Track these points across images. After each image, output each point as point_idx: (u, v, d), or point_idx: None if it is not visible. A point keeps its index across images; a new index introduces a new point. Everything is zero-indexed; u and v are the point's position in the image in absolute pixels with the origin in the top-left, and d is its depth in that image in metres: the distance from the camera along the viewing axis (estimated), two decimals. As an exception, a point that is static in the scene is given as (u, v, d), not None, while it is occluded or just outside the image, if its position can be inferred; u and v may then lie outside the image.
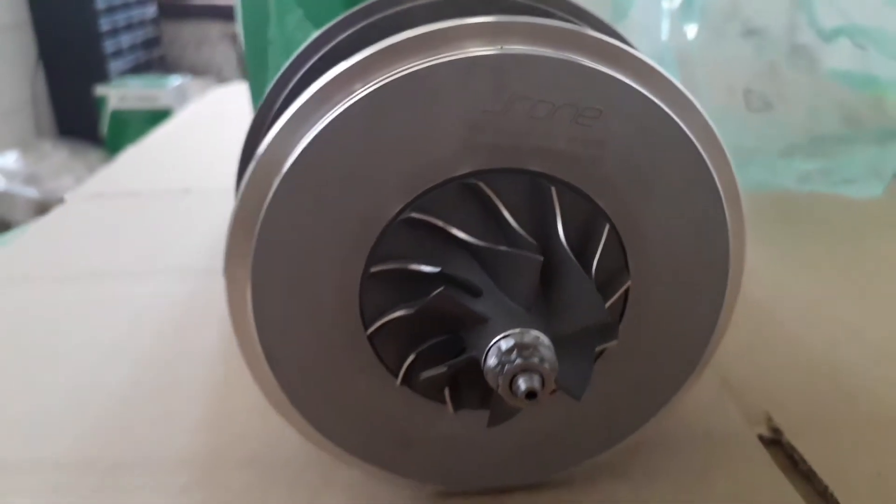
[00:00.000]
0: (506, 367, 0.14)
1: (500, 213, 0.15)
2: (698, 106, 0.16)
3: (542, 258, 0.15)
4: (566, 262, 0.15)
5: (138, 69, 1.79)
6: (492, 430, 0.17)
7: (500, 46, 0.15)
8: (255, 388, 0.25)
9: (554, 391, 0.15)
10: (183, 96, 1.70)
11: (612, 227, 0.16)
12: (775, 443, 0.22)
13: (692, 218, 0.17)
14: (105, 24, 1.65)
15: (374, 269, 0.16)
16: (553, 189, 0.16)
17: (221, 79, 1.90)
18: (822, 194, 0.37)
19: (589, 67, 0.15)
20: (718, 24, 0.50)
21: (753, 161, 0.43)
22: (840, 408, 0.23)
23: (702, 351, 0.18)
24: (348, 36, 0.19)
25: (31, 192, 1.41)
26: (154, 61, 1.86)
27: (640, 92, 0.15)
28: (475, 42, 0.15)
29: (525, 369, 0.14)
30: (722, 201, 0.17)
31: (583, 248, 0.16)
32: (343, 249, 0.16)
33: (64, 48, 1.62)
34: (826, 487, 0.20)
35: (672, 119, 0.16)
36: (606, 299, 0.16)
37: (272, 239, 0.15)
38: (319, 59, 0.19)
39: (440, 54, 0.15)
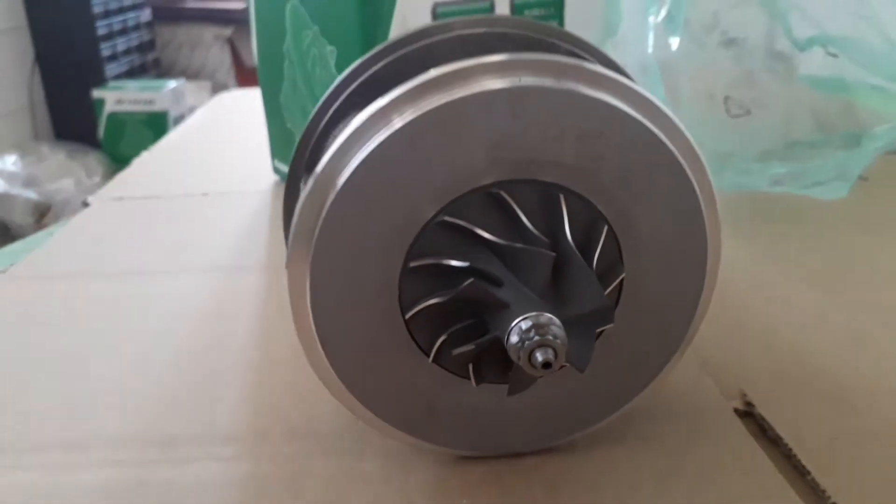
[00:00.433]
0: (525, 342, 0.17)
1: (517, 216, 0.19)
2: (681, 126, 0.19)
3: (554, 255, 0.18)
4: (572, 258, 0.18)
5: (133, 73, 1.81)
6: (509, 400, 0.20)
7: (518, 78, 0.18)
8: (290, 371, 0.28)
9: (562, 366, 0.18)
10: (179, 99, 1.72)
11: (610, 228, 0.20)
12: (748, 414, 0.25)
13: (675, 218, 0.20)
14: (101, 28, 1.67)
15: (412, 265, 0.19)
16: (561, 196, 0.19)
17: (216, 81, 1.92)
18: (793, 194, 0.41)
19: (591, 96, 0.18)
20: (699, 35, 0.53)
21: (731, 165, 0.46)
22: (804, 384, 0.26)
23: (685, 330, 0.22)
24: (383, 66, 0.22)
25: (31, 195, 1.43)
26: (149, 64, 1.88)
27: (633, 116, 0.19)
28: (495, 76, 0.18)
29: (541, 345, 0.17)
30: (700, 204, 0.20)
31: (586, 245, 0.19)
32: (386, 249, 0.19)
33: (61, 52, 1.64)
34: (790, 450, 0.23)
35: (659, 137, 0.19)
36: (605, 288, 0.20)
37: (328, 241, 0.18)
38: (358, 86, 0.22)
39: (466, 88, 0.18)
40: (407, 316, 0.20)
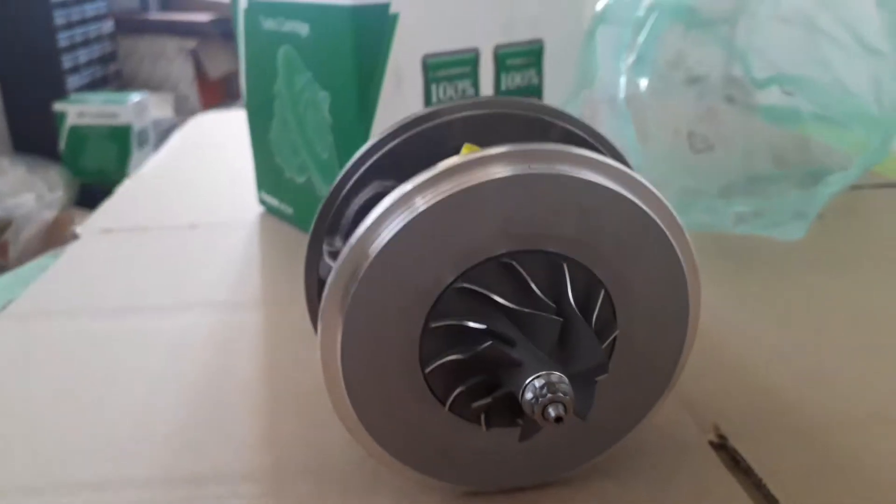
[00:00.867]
0: (539, 399, 0.19)
1: (527, 283, 0.21)
2: (666, 202, 0.22)
3: (561, 319, 0.20)
4: (575, 320, 0.21)
5: (95, 85, 1.79)
6: (513, 442, 0.23)
7: (527, 166, 0.20)
8: (299, 408, 0.30)
9: (565, 413, 0.20)
10: (142, 113, 1.71)
11: (606, 291, 0.22)
12: (721, 446, 0.28)
13: (662, 282, 0.23)
14: (63, 40, 1.65)
15: (432, 325, 0.21)
16: (565, 265, 0.21)
17: (178, 94, 1.91)
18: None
19: (589, 180, 0.21)
20: (665, 73, 0.57)
21: (697, 203, 0.50)
22: (772, 418, 0.29)
23: (670, 377, 0.24)
24: (401, 142, 0.24)
25: (-9, 210, 1.41)
26: (110, 76, 1.86)
27: (625, 196, 0.21)
28: (506, 164, 0.21)
29: (553, 401, 0.19)
30: (683, 269, 0.23)
31: (585, 306, 0.22)
32: (409, 310, 0.21)
33: (21, 64, 1.61)
34: (760, 480, 0.26)
35: (648, 213, 0.22)
36: (602, 342, 0.22)
37: (360, 301, 0.21)
38: (377, 159, 0.25)
39: (481, 175, 0.20)
40: (426, 370, 0.22)
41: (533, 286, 0.21)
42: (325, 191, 0.45)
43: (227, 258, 0.46)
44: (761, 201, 0.49)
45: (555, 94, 0.47)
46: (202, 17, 1.90)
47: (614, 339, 0.23)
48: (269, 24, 0.45)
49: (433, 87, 0.42)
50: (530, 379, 0.20)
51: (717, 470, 0.27)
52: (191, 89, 1.90)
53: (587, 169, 0.21)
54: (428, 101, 0.42)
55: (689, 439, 0.28)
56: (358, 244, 0.20)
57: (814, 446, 0.28)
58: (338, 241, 0.25)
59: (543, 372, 0.20)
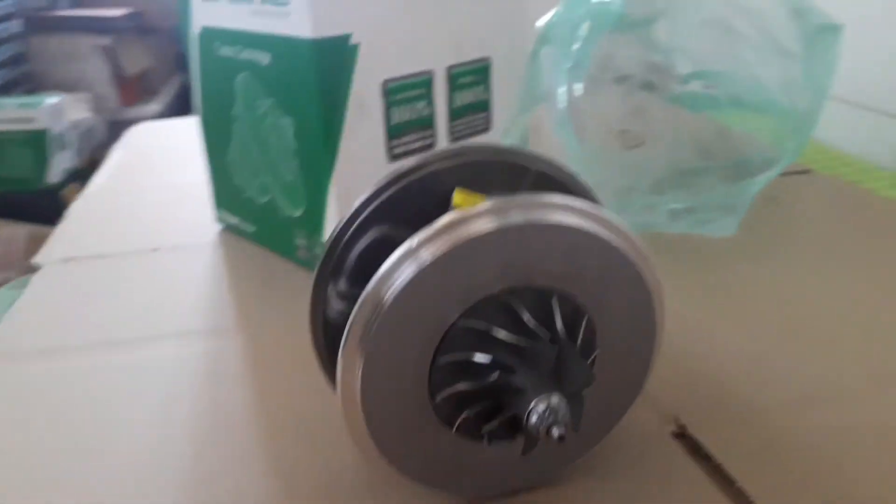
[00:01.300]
0: (543, 421, 0.22)
1: (521, 317, 0.24)
2: (633, 236, 0.25)
3: (556, 348, 0.23)
4: (565, 345, 0.24)
5: (6, 88, 1.71)
6: (512, 453, 0.26)
7: (515, 216, 0.23)
8: (303, 434, 0.32)
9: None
10: (59, 116, 1.66)
11: (588, 316, 0.25)
12: (682, 435, 0.32)
13: (632, 300, 0.26)
14: (-31, 44, 1.58)
15: (441, 360, 0.24)
16: (554, 297, 0.24)
17: (96, 94, 1.85)
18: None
19: (571, 226, 0.24)
20: (595, 76, 0.60)
21: (634, 202, 0.53)
22: (721, 404, 0.33)
23: (643, 382, 0.28)
24: (398, 190, 0.27)
25: None
26: (21, 79, 1.79)
27: (600, 235, 0.24)
28: (496, 217, 0.23)
29: (555, 422, 0.22)
30: (650, 291, 0.26)
31: (571, 330, 0.25)
32: (420, 347, 0.24)
33: (-75, 71, 1.53)
34: (720, 464, 0.30)
35: (618, 247, 0.25)
36: (586, 359, 0.25)
37: (377, 341, 0.23)
38: (376, 207, 0.27)
39: (477, 227, 0.23)
40: (436, 399, 0.24)
41: (526, 318, 0.24)
42: (290, 211, 0.47)
43: (196, 282, 0.48)
44: (692, 196, 0.54)
45: (503, 108, 0.50)
46: (115, 12, 1.84)
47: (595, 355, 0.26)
48: (225, 51, 0.46)
49: (393, 110, 0.44)
50: (534, 403, 0.23)
51: (682, 458, 0.31)
52: (108, 88, 1.85)
53: (563, 213, 0.24)
54: (389, 123, 0.44)
55: (653, 431, 0.32)
56: (374, 290, 0.23)
57: (759, 428, 0.32)
58: (342, 284, 0.27)
59: (544, 395, 0.23)
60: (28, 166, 1.59)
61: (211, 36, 0.47)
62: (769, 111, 0.57)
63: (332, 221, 0.44)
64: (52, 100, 1.61)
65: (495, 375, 0.23)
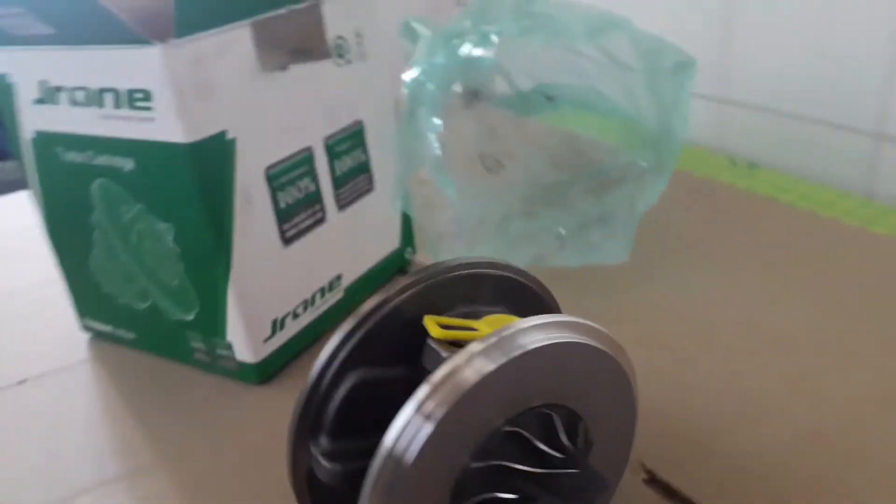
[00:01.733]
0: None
1: (531, 442, 0.24)
2: (603, 329, 0.26)
3: (575, 471, 0.24)
4: (576, 458, 0.24)
5: None
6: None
7: (519, 350, 0.23)
8: None
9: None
10: None
11: (583, 421, 0.26)
12: (653, 481, 0.34)
13: (616, 392, 0.27)
14: None
15: (461, 504, 0.23)
16: (554, 414, 0.24)
17: None
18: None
19: (558, 342, 0.24)
20: (449, 101, 0.61)
21: (512, 230, 0.55)
22: (679, 438, 0.36)
23: (629, 453, 0.29)
24: (364, 334, 0.25)
25: None
26: None
27: (588, 343, 0.25)
28: (493, 354, 0.23)
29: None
30: (625, 372, 0.27)
31: (571, 436, 0.25)
32: (438, 495, 0.23)
33: None
34: (690, 499, 0.32)
35: (604, 350, 0.25)
36: (585, 456, 0.26)
37: (399, 499, 0.22)
38: (347, 354, 0.25)
39: (480, 369, 0.23)
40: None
41: (537, 443, 0.24)
42: (179, 315, 0.43)
43: (84, 413, 0.43)
44: (567, 215, 0.56)
45: (382, 167, 0.49)
46: None
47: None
48: (73, 156, 0.41)
49: (279, 194, 0.42)
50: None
51: (654, 500, 0.32)
52: None
53: (548, 331, 0.24)
54: (277, 208, 0.42)
55: (627, 484, 0.33)
56: (389, 456, 0.22)
57: (721, 455, 0.34)
58: (325, 441, 0.25)
59: (565, 509, 0.23)
60: None
61: (49, 141, 0.42)
62: (612, 115, 0.60)
63: (234, 320, 0.41)
64: None
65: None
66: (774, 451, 0.34)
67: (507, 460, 0.24)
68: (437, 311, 0.27)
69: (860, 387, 0.38)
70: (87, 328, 0.50)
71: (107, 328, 0.48)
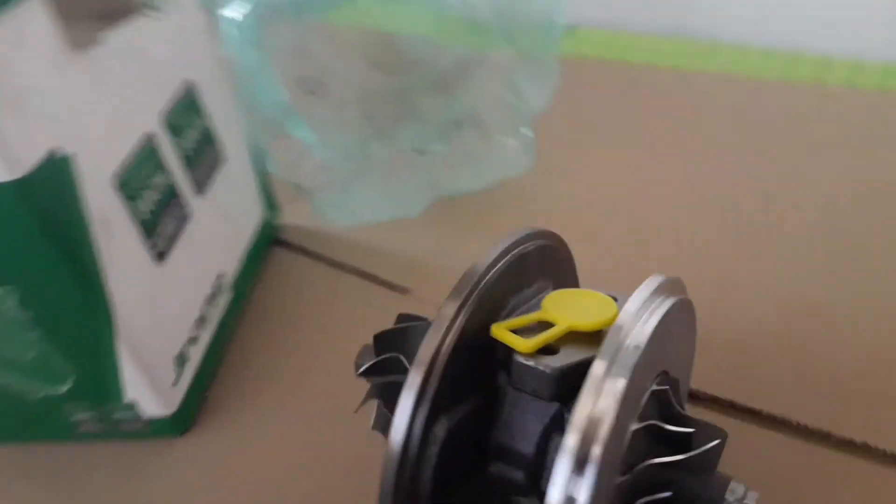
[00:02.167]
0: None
1: (662, 428, 0.21)
2: (679, 278, 0.23)
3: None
4: (696, 423, 0.22)
5: None
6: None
7: (637, 355, 0.19)
8: None
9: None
10: None
11: (677, 380, 0.23)
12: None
13: (688, 335, 0.25)
14: None
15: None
16: (667, 390, 0.22)
17: None
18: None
19: (665, 314, 0.21)
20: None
21: (387, 159, 0.49)
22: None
23: (689, 384, 0.27)
24: (438, 388, 0.20)
25: None
26: None
27: (675, 302, 0.22)
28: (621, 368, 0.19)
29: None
30: (695, 317, 0.25)
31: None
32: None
33: None
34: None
35: (686, 300, 0.23)
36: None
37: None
38: (429, 413, 0.20)
39: (616, 389, 0.19)
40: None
41: (667, 427, 0.21)
42: (47, 390, 0.33)
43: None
44: (426, 125, 0.51)
45: (227, 129, 0.40)
46: None
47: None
48: None
49: (136, 204, 0.32)
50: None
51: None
52: None
53: (644, 312, 0.21)
54: (138, 220, 0.32)
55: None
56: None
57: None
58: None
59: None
60: None
61: None
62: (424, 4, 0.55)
63: (132, 374, 0.32)
64: None
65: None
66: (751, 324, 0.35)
67: (652, 457, 0.21)
68: (493, 317, 0.22)
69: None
70: None
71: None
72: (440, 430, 0.20)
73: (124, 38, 0.32)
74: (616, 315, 0.22)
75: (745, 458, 0.29)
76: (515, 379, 0.21)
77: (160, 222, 0.34)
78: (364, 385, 0.34)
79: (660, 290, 0.21)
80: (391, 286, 0.40)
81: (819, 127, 0.49)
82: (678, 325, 0.23)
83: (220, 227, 0.39)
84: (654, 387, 0.21)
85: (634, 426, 0.20)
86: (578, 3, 0.71)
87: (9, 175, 0.26)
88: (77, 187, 0.28)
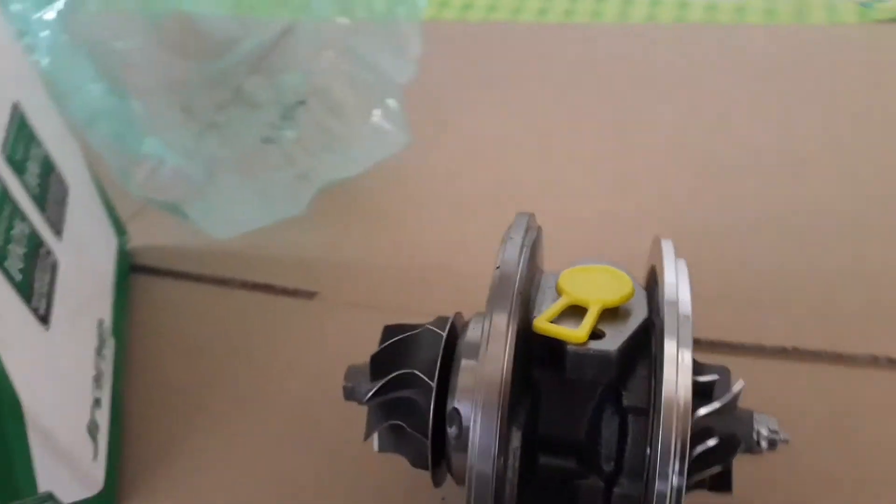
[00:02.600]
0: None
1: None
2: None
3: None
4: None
5: None
6: None
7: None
8: None
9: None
10: None
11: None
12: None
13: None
14: None
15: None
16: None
17: None
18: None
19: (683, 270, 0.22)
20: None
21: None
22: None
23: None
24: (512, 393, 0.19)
25: None
26: None
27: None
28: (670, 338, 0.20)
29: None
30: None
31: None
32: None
33: None
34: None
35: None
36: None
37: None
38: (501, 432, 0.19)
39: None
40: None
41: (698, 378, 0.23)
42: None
43: None
44: (252, 107, 0.47)
45: (62, 153, 0.34)
46: None
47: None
48: None
49: (6, 265, 0.26)
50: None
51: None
52: None
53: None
54: (13, 284, 0.27)
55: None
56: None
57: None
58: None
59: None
60: None
61: None
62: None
63: (45, 463, 0.27)
64: None
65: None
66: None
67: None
68: (525, 314, 0.22)
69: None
70: None
71: None
72: (515, 440, 0.20)
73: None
74: (633, 287, 0.22)
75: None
76: (571, 369, 0.21)
77: (35, 280, 0.28)
78: (297, 411, 0.32)
79: (676, 254, 0.22)
80: (293, 293, 0.37)
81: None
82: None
83: (85, 268, 0.34)
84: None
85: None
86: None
87: None
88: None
